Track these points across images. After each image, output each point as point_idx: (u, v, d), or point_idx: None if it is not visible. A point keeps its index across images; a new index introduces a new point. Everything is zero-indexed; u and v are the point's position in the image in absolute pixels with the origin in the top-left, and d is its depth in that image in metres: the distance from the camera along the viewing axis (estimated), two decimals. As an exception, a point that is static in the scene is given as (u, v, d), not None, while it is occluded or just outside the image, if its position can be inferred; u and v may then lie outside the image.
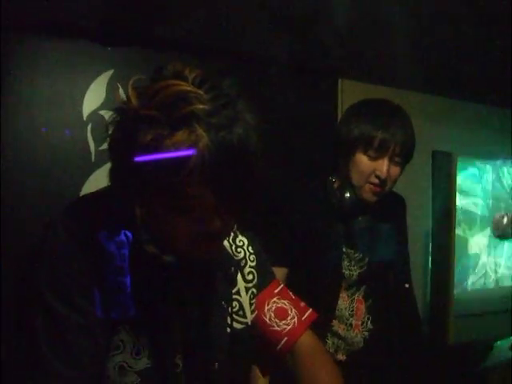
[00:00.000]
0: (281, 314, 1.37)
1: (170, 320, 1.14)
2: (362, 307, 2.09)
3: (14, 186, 2.35)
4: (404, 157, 1.95)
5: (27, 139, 2.42)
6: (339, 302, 2.03)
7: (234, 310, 1.28)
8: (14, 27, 2.37)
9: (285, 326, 1.36)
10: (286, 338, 1.35)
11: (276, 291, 1.41)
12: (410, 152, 1.98)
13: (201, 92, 0.99)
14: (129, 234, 1.11)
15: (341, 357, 2.05)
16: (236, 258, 1.34)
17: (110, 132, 1.05)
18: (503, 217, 2.29)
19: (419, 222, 3.51)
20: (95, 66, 2.58)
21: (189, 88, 0.99)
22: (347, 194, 1.96)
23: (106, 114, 2.58)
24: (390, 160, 1.92)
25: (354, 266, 2.04)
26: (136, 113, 0.98)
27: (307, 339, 1.39)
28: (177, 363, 1.15)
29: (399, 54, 2.97)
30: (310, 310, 1.45)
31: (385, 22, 2.61)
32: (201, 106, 0.97)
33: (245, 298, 1.32)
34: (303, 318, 1.39)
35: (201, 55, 2.68)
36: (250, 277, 1.35)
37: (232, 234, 1.36)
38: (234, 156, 0.98)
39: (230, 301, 1.27)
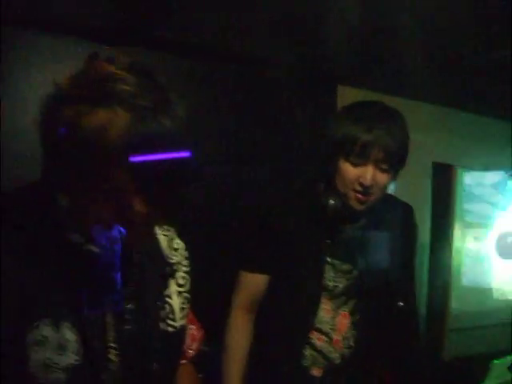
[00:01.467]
0: (191, 339, 1.45)
1: (98, 314, 1.11)
2: (346, 322, 1.94)
3: (14, 183, 2.28)
4: (391, 163, 1.79)
5: (27, 138, 2.36)
6: (321, 314, 1.90)
7: (166, 312, 1.26)
8: (15, 24, 2.33)
9: (189, 351, 1.45)
10: (184, 361, 1.43)
11: (190, 316, 1.42)
12: (398, 158, 1.82)
13: (128, 75, 1.00)
14: (52, 223, 1.07)
15: (316, 372, 1.91)
16: (171, 260, 1.31)
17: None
18: (507, 236, 2.18)
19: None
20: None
21: (116, 70, 1.00)
22: (331, 201, 1.84)
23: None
24: (375, 166, 1.77)
25: (340, 277, 1.92)
26: (60, 91, 1.00)
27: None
28: (111, 359, 1.11)
29: (401, 62, 2.94)
30: (202, 331, 1.52)
31: (388, 29, 2.58)
32: (124, 87, 0.97)
33: (176, 302, 1.30)
34: (198, 342, 1.49)
35: (203, 56, 2.69)
36: (183, 281, 1.33)
37: (169, 236, 1.34)
38: (153, 140, 0.98)
39: (163, 302, 1.26)
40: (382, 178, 1.79)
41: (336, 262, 1.92)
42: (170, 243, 1.33)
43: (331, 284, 1.90)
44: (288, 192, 2.05)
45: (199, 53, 2.73)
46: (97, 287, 1.10)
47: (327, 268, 1.90)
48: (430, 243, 3.46)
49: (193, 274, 1.38)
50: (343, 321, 1.93)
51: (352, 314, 1.95)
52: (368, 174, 1.76)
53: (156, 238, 1.30)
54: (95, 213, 1.03)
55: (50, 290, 1.04)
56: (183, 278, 1.34)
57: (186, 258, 1.37)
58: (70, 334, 1.05)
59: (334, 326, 1.91)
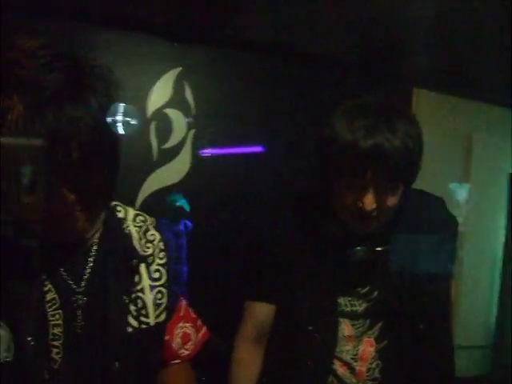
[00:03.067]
0: (185, 339, 1.36)
1: (38, 311, 1.06)
2: (371, 350, 1.68)
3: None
4: (396, 178, 1.48)
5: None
6: (343, 342, 1.67)
7: (138, 307, 1.20)
8: (85, 19, 2.35)
9: (183, 351, 1.36)
10: (178, 360, 1.36)
11: (181, 314, 1.35)
12: (406, 169, 1.49)
13: (25, 60, 0.94)
14: None
15: None
16: (144, 252, 1.24)
17: None
18: None
19: (489, 247, 3.40)
20: (162, 63, 2.54)
21: (17, 55, 0.94)
22: (333, 228, 1.60)
23: (172, 113, 2.55)
24: (376, 186, 1.45)
25: (357, 300, 1.68)
26: None
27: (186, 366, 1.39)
28: (53, 358, 1.06)
29: (481, 66, 2.85)
30: (204, 330, 1.44)
31: (466, 30, 2.50)
32: (22, 72, 0.93)
33: (149, 297, 1.23)
34: (197, 342, 1.41)
35: (268, 55, 2.66)
36: (157, 275, 1.26)
37: (143, 226, 1.27)
38: (56, 128, 0.92)
39: (130, 297, 1.19)
40: (388, 199, 1.48)
41: (350, 285, 1.68)
42: (144, 235, 1.27)
43: (348, 309, 1.68)
44: (291, 217, 1.77)
45: (266, 52, 2.70)
46: (33, 283, 1.06)
47: (341, 292, 1.67)
48: (503, 256, 3.34)
49: (170, 266, 1.31)
50: (367, 349, 1.70)
51: (378, 340, 1.69)
52: (367, 198, 1.45)
53: (123, 229, 1.24)
54: (22, 209, 0.97)
55: None
56: (157, 270, 1.26)
57: (162, 250, 1.29)
58: (1, 331, 1.02)
59: (356, 355, 1.68)
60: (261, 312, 1.72)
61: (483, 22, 2.42)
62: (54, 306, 1.08)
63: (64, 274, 1.11)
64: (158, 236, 1.29)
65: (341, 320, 1.66)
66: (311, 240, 1.65)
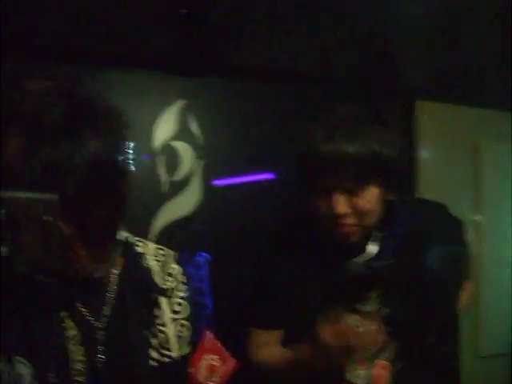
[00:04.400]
0: (211, 370, 1.33)
1: (57, 347, 1.06)
2: (386, 374, 1.55)
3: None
4: (358, 181, 1.45)
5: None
6: (354, 366, 1.56)
7: (159, 342, 1.20)
8: (89, 56, 2.39)
9: (210, 383, 1.33)
10: None
11: (206, 346, 1.33)
12: (368, 173, 1.45)
13: (33, 97, 0.99)
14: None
15: None
16: (164, 286, 1.26)
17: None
18: None
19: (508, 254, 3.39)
20: (167, 96, 2.57)
21: (21, 93, 0.99)
22: (325, 244, 1.56)
23: (178, 145, 2.57)
24: (345, 190, 1.44)
25: (365, 319, 1.57)
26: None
27: None
28: None
29: (484, 71, 2.86)
30: (232, 360, 1.39)
31: (464, 40, 2.52)
32: (23, 108, 0.97)
33: (171, 330, 1.24)
34: (223, 373, 1.36)
35: (273, 81, 2.67)
36: (179, 308, 1.27)
37: (163, 261, 1.29)
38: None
39: (152, 330, 1.20)
40: (363, 203, 1.46)
41: (354, 302, 1.58)
42: (164, 268, 1.28)
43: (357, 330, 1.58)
44: (285, 240, 1.74)
45: (274, 79, 2.72)
46: (51, 319, 1.08)
47: (345, 312, 1.56)
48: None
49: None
50: (382, 373, 1.57)
51: (392, 362, 1.57)
52: (338, 202, 1.44)
53: (143, 264, 1.25)
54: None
55: None
56: (179, 304, 1.28)
57: (184, 283, 1.31)
58: (23, 369, 1.03)
59: (369, 380, 1.56)
60: (270, 340, 1.69)
61: (483, 28, 2.44)
62: (75, 342, 1.08)
63: (84, 310, 1.12)
64: (177, 269, 1.31)
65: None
66: (307, 260, 1.60)
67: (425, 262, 1.58)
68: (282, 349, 1.65)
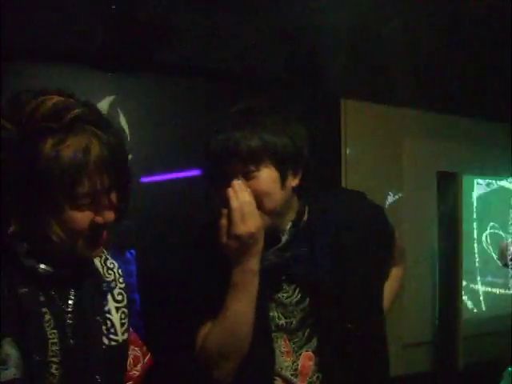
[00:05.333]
0: (135, 361, 1.45)
1: (40, 329, 1.14)
2: (310, 364, 1.61)
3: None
4: (250, 168, 1.49)
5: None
6: (281, 358, 1.60)
7: (107, 327, 1.30)
8: (15, 53, 2.35)
9: (135, 372, 1.45)
10: (131, 382, 1.43)
11: (131, 337, 1.44)
12: (260, 160, 1.50)
13: (73, 100, 1.10)
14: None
15: None
16: (107, 278, 1.36)
17: None
18: (509, 245, 2.06)
19: (426, 244, 3.54)
20: (96, 92, 2.56)
21: (62, 98, 1.09)
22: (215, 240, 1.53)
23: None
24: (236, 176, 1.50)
25: (291, 311, 1.61)
26: (22, 130, 1.05)
27: None
28: (52, 373, 1.14)
29: (401, 72, 2.96)
30: (149, 355, 1.51)
31: (386, 40, 2.61)
32: (81, 110, 1.08)
33: (116, 317, 1.34)
34: (144, 364, 1.50)
35: (201, 78, 2.70)
36: (120, 297, 1.38)
37: (103, 256, 1.39)
38: (117, 151, 1.11)
39: (103, 317, 1.30)
40: (255, 184, 1.49)
41: (280, 294, 1.61)
42: (105, 263, 1.37)
43: (282, 321, 1.61)
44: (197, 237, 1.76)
45: (199, 75, 2.75)
46: (38, 304, 1.15)
47: (272, 304, 1.60)
48: (438, 252, 3.46)
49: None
50: (307, 363, 1.62)
51: (317, 353, 1.62)
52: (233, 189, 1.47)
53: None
54: (74, 227, 1.11)
55: None
56: (120, 293, 1.38)
57: (121, 276, 1.41)
58: (11, 349, 1.07)
59: (296, 370, 1.61)
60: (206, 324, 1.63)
61: (399, 29, 2.53)
62: (51, 326, 1.15)
63: (56, 296, 1.18)
64: (115, 264, 1.41)
65: (277, 335, 1.61)
66: (215, 255, 1.55)
67: (347, 251, 1.61)
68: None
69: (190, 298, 1.67)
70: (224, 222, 1.47)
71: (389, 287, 1.82)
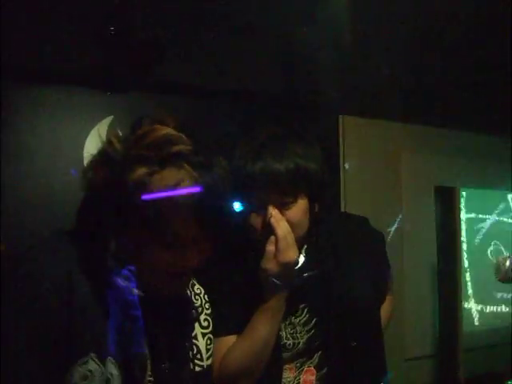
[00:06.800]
0: None
1: (139, 355, 1.16)
2: (312, 379, 1.64)
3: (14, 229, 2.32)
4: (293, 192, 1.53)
5: (27, 186, 2.43)
6: (285, 375, 1.62)
7: (194, 352, 1.33)
8: (14, 75, 2.40)
9: None
10: None
11: None
12: (297, 188, 1.53)
13: (183, 135, 1.10)
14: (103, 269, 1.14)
15: None
16: (195, 304, 1.39)
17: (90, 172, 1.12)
18: (506, 260, 2.05)
19: (424, 258, 3.54)
20: (95, 113, 2.59)
21: (173, 132, 1.10)
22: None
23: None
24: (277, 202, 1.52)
25: (299, 332, 1.64)
26: (126, 153, 1.07)
27: None
28: None
29: (398, 88, 2.98)
30: None
31: (383, 56, 2.63)
32: (186, 147, 1.08)
33: (202, 343, 1.36)
34: None
35: (200, 97, 2.72)
36: (206, 323, 1.40)
37: (191, 281, 1.41)
38: (215, 193, 1.09)
39: (190, 343, 1.33)
40: (291, 214, 1.52)
41: (291, 315, 1.63)
42: (193, 288, 1.41)
43: (290, 342, 1.64)
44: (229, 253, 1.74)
45: (198, 94, 2.78)
46: (136, 327, 1.17)
47: (283, 325, 1.62)
48: (437, 266, 3.47)
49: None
50: (308, 378, 1.65)
51: (318, 368, 1.65)
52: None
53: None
54: (159, 263, 1.12)
55: (96, 326, 1.09)
56: (206, 320, 1.40)
57: (207, 302, 1.43)
58: (114, 369, 1.10)
59: None
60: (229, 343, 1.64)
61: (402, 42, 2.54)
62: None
63: (153, 322, 1.20)
64: (201, 289, 1.44)
65: (284, 355, 1.62)
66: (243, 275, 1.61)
67: (348, 274, 1.65)
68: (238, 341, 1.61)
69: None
70: (271, 248, 1.49)
71: (383, 310, 1.84)
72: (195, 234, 1.10)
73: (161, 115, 1.17)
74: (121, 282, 1.14)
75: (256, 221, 1.53)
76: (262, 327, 1.54)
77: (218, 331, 1.61)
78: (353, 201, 3.28)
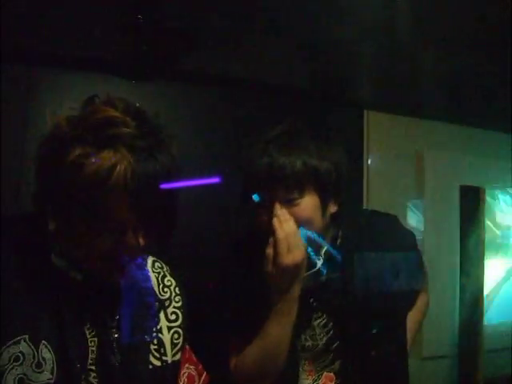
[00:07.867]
0: (190, 380, 1.41)
1: (78, 338, 1.14)
2: None
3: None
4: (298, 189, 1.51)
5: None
6: (302, 376, 1.63)
7: (156, 346, 1.29)
8: (40, 62, 2.41)
9: None
10: None
11: (186, 356, 1.42)
12: (305, 184, 1.52)
13: (127, 118, 1.09)
14: (42, 249, 1.15)
15: None
16: (162, 297, 1.36)
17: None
18: None
19: (446, 258, 3.50)
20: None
21: (116, 114, 1.09)
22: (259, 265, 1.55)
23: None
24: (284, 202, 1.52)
25: (318, 334, 1.62)
26: (65, 134, 1.08)
27: None
28: (90, 381, 1.15)
29: (426, 84, 2.95)
30: (205, 374, 1.47)
31: (410, 52, 2.59)
32: (126, 130, 1.07)
33: (166, 337, 1.33)
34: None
35: (225, 88, 2.73)
36: (174, 317, 1.37)
37: (161, 273, 1.40)
38: (153, 179, 1.08)
39: (152, 336, 1.29)
40: (298, 211, 1.50)
41: (308, 316, 1.63)
42: (162, 280, 1.38)
43: (309, 343, 1.63)
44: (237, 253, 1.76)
45: (223, 85, 2.77)
46: (80, 312, 1.16)
47: (302, 327, 1.62)
48: (460, 266, 3.42)
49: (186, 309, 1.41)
50: (327, 383, 1.65)
51: (338, 374, 1.65)
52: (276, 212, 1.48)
53: (148, 275, 1.36)
54: (93, 247, 1.11)
55: (30, 308, 1.09)
56: (174, 313, 1.37)
57: (178, 295, 1.40)
58: (47, 353, 1.08)
59: None
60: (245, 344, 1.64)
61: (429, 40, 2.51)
62: (92, 334, 1.17)
63: (100, 309, 1.20)
64: (173, 282, 1.41)
65: (303, 355, 1.63)
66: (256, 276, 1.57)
67: (374, 278, 1.62)
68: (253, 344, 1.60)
69: (223, 314, 1.71)
70: (270, 251, 1.47)
71: (412, 318, 1.82)
72: (131, 219, 1.09)
73: (109, 96, 1.16)
74: (60, 264, 1.14)
75: (263, 218, 1.53)
76: (272, 330, 1.53)
77: (232, 333, 1.67)
78: (374, 197, 3.25)
